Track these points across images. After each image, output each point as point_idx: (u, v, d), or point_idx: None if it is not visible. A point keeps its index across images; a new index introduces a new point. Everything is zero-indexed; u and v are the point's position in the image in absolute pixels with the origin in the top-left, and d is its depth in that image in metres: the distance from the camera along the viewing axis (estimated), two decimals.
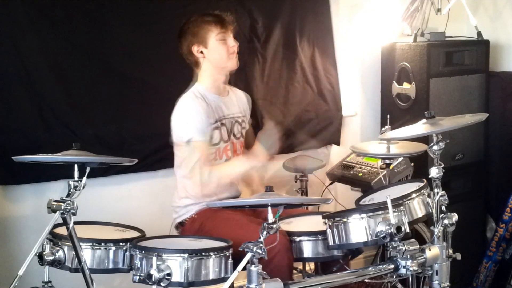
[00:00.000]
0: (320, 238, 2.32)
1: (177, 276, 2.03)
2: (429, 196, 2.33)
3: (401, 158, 3.08)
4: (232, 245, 2.15)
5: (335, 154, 3.70)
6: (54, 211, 2.02)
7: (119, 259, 2.21)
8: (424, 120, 2.35)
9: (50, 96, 2.85)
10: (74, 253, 2.09)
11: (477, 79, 3.54)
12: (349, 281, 2.20)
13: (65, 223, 2.04)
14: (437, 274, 2.28)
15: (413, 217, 2.30)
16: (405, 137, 2.63)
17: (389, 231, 2.10)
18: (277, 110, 3.47)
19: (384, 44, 3.68)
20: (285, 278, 2.03)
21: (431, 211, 2.30)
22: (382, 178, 3.04)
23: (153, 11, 3.05)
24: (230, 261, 2.12)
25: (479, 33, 3.58)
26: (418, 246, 2.18)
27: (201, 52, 2.67)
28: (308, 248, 2.34)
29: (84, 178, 2.06)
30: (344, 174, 3.28)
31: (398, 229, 2.10)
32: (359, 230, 2.16)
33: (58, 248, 2.17)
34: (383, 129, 2.94)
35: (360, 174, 3.21)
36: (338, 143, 3.71)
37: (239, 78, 2.95)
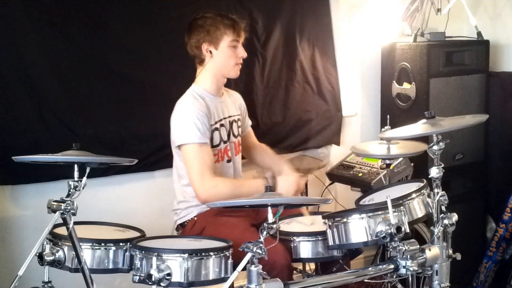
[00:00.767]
0: (320, 238, 2.32)
1: (177, 276, 2.03)
2: (429, 196, 2.33)
3: (401, 158, 3.08)
4: (232, 245, 2.15)
5: (335, 154, 3.70)
6: (54, 211, 2.02)
7: (119, 259, 2.21)
8: (424, 120, 2.35)
9: (50, 96, 2.85)
10: (74, 253, 2.09)
11: (477, 79, 3.54)
12: (349, 281, 2.21)
13: (65, 223, 2.04)
14: (437, 274, 2.28)
15: (413, 217, 2.30)
16: (405, 137, 2.63)
17: (389, 231, 2.10)
18: (277, 110, 3.47)
19: (384, 44, 3.68)
20: (285, 279, 2.03)
21: (431, 211, 2.30)
22: (382, 178, 3.04)
23: (153, 11, 3.05)
24: (230, 261, 2.11)
25: (479, 33, 3.58)
26: (418, 246, 2.18)
27: (210, 51, 2.65)
28: (308, 248, 2.34)
29: (84, 178, 2.06)
30: (344, 174, 3.28)
31: (398, 229, 2.10)
32: (359, 230, 2.16)
33: (58, 248, 2.17)
34: (383, 129, 2.94)
35: (360, 174, 3.21)
36: (338, 143, 3.71)
37: (239, 78, 2.95)
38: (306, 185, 3.33)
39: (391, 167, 3.01)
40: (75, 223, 2.06)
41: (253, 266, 1.86)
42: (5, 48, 2.74)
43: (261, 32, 3.37)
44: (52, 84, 2.85)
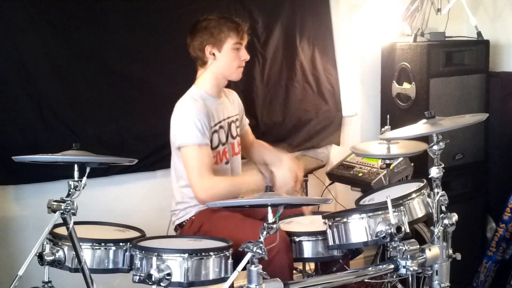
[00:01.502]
0: (320, 238, 2.32)
1: (177, 276, 2.03)
2: (429, 196, 2.33)
3: (401, 158, 3.08)
4: (232, 245, 2.15)
5: (335, 154, 3.70)
6: (54, 211, 2.02)
7: (119, 259, 2.21)
8: (424, 120, 2.35)
9: (50, 96, 2.85)
10: (74, 253, 2.09)
11: (477, 79, 3.54)
12: (349, 281, 2.21)
13: (65, 223, 2.03)
14: (437, 274, 2.28)
15: (413, 217, 2.30)
16: (405, 137, 2.63)
17: (389, 231, 2.10)
18: (277, 110, 3.47)
19: (384, 44, 3.68)
20: (285, 279, 2.03)
21: (431, 211, 2.30)
22: (382, 178, 3.05)
23: (153, 11, 3.05)
24: (230, 261, 2.11)
25: (479, 33, 3.58)
26: (418, 246, 2.18)
27: (213, 54, 2.64)
28: (308, 248, 2.34)
29: (84, 178, 2.06)
30: (344, 174, 3.28)
31: (398, 229, 2.10)
32: (359, 230, 2.16)
33: (58, 248, 2.17)
34: (383, 129, 2.94)
35: (360, 174, 3.21)
36: (338, 143, 3.71)
37: None
38: (306, 185, 3.34)
39: (391, 167, 3.01)
40: (75, 223, 2.06)
41: (253, 266, 1.86)
42: (5, 48, 2.74)
43: (261, 32, 3.37)
44: (52, 84, 2.85)
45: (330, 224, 2.22)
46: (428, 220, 2.48)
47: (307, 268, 3.05)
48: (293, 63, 3.49)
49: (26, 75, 2.79)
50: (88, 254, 2.17)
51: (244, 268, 1.87)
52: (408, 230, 2.17)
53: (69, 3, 2.85)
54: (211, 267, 2.08)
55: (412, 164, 3.18)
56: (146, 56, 3.04)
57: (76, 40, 2.89)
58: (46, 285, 2.13)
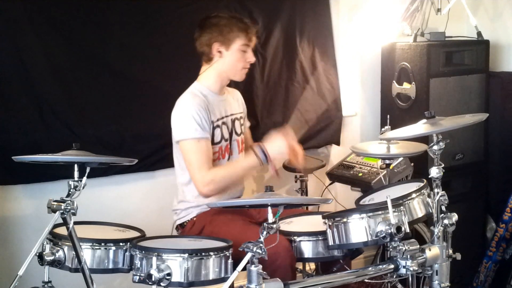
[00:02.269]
0: (320, 238, 2.32)
1: (177, 276, 2.03)
2: (429, 196, 2.33)
3: (401, 158, 3.08)
4: (232, 245, 2.15)
5: (335, 154, 3.70)
6: (54, 211, 2.01)
7: (119, 259, 2.21)
8: (424, 120, 2.35)
9: (50, 96, 2.85)
10: (74, 253, 2.09)
11: (477, 79, 3.54)
12: (349, 281, 2.21)
13: (65, 223, 2.03)
14: (437, 274, 2.28)
15: (413, 217, 2.30)
16: (405, 137, 2.63)
17: (389, 231, 2.10)
18: (277, 110, 3.47)
19: (384, 44, 3.68)
20: (287, 279, 2.03)
21: (431, 211, 2.30)
22: (382, 178, 3.04)
23: (153, 11, 3.05)
24: (230, 261, 2.11)
25: (479, 33, 3.58)
26: (418, 246, 2.18)
27: (220, 51, 2.65)
28: (308, 248, 2.34)
29: (84, 178, 2.06)
30: (344, 174, 3.28)
31: (398, 229, 2.09)
32: (359, 230, 2.16)
33: (58, 248, 2.17)
34: (383, 129, 2.94)
35: (360, 174, 3.20)
36: (338, 143, 3.71)
37: None
38: (306, 185, 3.34)
39: (391, 167, 3.01)
40: (75, 223, 2.06)
41: (253, 266, 1.86)
42: (5, 48, 2.74)
43: (261, 32, 3.36)
44: (52, 84, 2.85)
45: (330, 224, 2.22)
46: (428, 220, 2.48)
47: (307, 268, 3.05)
48: (293, 63, 3.49)
49: (26, 75, 2.79)
50: (88, 254, 2.17)
51: (244, 268, 1.87)
52: (408, 230, 2.17)
53: (69, 3, 2.86)
54: (211, 267, 2.08)
55: (412, 164, 3.18)
56: (146, 56, 3.04)
57: (76, 40, 2.89)
58: (46, 285, 2.13)
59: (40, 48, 2.80)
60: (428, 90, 3.37)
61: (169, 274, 2.02)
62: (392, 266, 2.17)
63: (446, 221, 2.27)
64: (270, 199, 1.93)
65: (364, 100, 3.84)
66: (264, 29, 3.37)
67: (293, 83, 3.51)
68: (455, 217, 2.29)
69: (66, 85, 2.88)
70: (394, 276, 2.22)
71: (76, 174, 2.07)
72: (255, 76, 3.36)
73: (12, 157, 2.18)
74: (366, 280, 2.51)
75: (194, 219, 2.66)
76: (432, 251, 2.24)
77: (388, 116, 3.08)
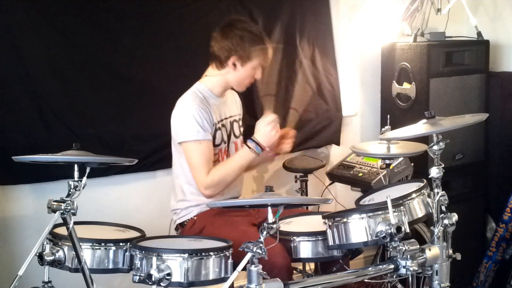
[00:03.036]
0: (320, 238, 2.32)
1: (177, 276, 2.03)
2: (429, 196, 2.33)
3: (401, 158, 3.08)
4: (232, 245, 2.15)
5: (335, 154, 3.70)
6: (54, 211, 2.02)
7: (119, 259, 2.21)
8: (424, 120, 2.35)
9: (50, 96, 2.85)
10: (74, 253, 2.09)
11: (477, 79, 3.54)
12: (349, 281, 2.20)
13: (65, 223, 2.03)
14: (437, 274, 2.28)
15: (413, 217, 2.30)
16: (405, 137, 2.63)
17: (389, 231, 2.10)
18: (277, 110, 3.46)
19: (384, 44, 3.68)
20: (283, 279, 2.02)
21: (431, 211, 2.30)
22: (382, 178, 3.04)
23: (154, 11, 3.05)
24: (230, 261, 2.11)
25: (479, 33, 3.58)
26: (418, 246, 2.18)
27: (235, 65, 2.63)
28: (308, 248, 2.34)
29: (84, 178, 2.06)
30: (344, 174, 3.28)
31: (398, 229, 2.09)
32: (359, 230, 2.16)
33: (58, 248, 2.17)
34: (383, 129, 2.94)
35: (360, 174, 3.21)
36: (338, 143, 3.71)
37: None
38: (306, 185, 3.34)
39: (391, 167, 3.01)
40: (75, 223, 2.06)
41: (253, 266, 1.86)
42: (5, 48, 2.74)
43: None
44: (52, 84, 2.85)
45: (330, 224, 2.22)
46: (428, 220, 2.48)
47: (307, 268, 3.05)
48: (293, 63, 3.49)
49: (26, 75, 2.79)
50: (88, 254, 2.17)
51: (244, 268, 1.87)
52: (408, 230, 2.17)
53: (69, 3, 2.85)
54: (211, 267, 2.08)
55: (412, 164, 3.18)
56: (146, 56, 3.04)
57: (76, 40, 2.89)
58: (46, 285, 2.13)
59: (40, 48, 2.80)
60: (428, 90, 3.37)
61: (169, 274, 2.02)
62: (392, 266, 2.17)
63: (446, 221, 2.26)
64: (270, 199, 1.93)
65: (364, 100, 3.84)
66: (264, 29, 3.35)
67: (293, 83, 3.50)
68: (455, 217, 2.29)
69: (66, 85, 2.88)
70: (394, 276, 2.22)
71: (76, 174, 2.07)
72: None
73: (12, 157, 2.18)
74: (366, 280, 2.51)
75: (195, 218, 2.66)
76: (432, 251, 2.24)
77: (388, 116, 3.08)
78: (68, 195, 2.03)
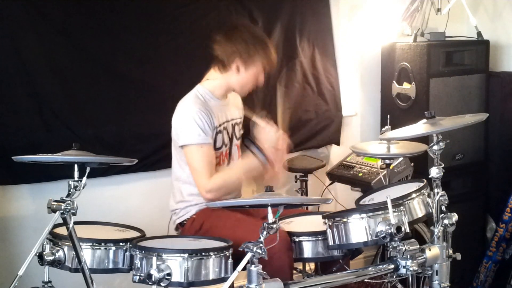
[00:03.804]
0: (320, 238, 2.32)
1: (177, 276, 2.03)
2: (429, 196, 2.33)
3: (401, 158, 3.08)
4: (232, 245, 2.15)
5: (335, 154, 3.70)
6: (54, 211, 2.02)
7: (119, 259, 2.21)
8: (424, 120, 2.35)
9: (50, 96, 2.85)
10: (74, 253, 2.09)
11: (477, 79, 3.54)
12: (349, 281, 2.21)
13: (65, 223, 2.04)
14: (437, 274, 2.28)
15: (413, 217, 2.30)
16: (405, 137, 2.63)
17: (389, 231, 2.10)
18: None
19: (384, 44, 3.68)
20: (285, 278, 2.03)
21: (431, 211, 2.30)
22: (382, 178, 3.05)
23: (153, 11, 3.05)
24: (230, 261, 2.11)
25: (479, 33, 3.58)
26: (418, 246, 2.18)
27: (237, 68, 2.63)
28: (308, 248, 2.34)
29: (84, 178, 2.06)
30: (344, 174, 3.28)
31: (398, 229, 2.10)
32: (359, 230, 2.16)
33: (58, 248, 2.17)
34: (383, 129, 2.94)
35: (360, 174, 3.21)
36: (338, 143, 3.71)
37: None
38: (306, 185, 3.34)
39: (391, 167, 3.01)
40: (75, 223, 2.06)
41: (253, 266, 1.86)
42: (5, 48, 2.73)
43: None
44: (52, 84, 2.85)
45: (330, 224, 2.22)
46: (428, 220, 2.48)
47: (307, 268, 3.05)
48: (293, 63, 3.49)
49: (26, 75, 2.78)
50: (88, 254, 2.17)
51: (244, 268, 1.87)
52: (408, 230, 2.17)
53: (69, 3, 2.85)
54: (211, 267, 2.08)
55: (412, 164, 3.18)
56: (146, 56, 3.04)
57: (76, 40, 2.88)
58: (46, 285, 2.13)
59: (40, 48, 2.80)
60: (428, 90, 3.37)
61: (169, 274, 2.02)
62: (392, 266, 2.17)
63: (446, 221, 2.27)
64: (270, 199, 1.93)
65: (364, 100, 3.84)
66: (264, 29, 3.36)
67: (293, 83, 3.50)
68: (455, 217, 2.29)
69: (66, 85, 2.88)
70: (394, 276, 2.22)
71: (76, 174, 2.07)
72: None
73: (12, 157, 2.18)
74: (366, 280, 2.51)
75: (194, 216, 2.66)
76: (432, 251, 2.24)
77: (388, 116, 3.08)
78: (68, 195, 2.03)
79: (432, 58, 3.37)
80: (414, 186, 2.43)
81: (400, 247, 2.12)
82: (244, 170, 2.64)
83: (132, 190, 3.13)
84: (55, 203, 2.02)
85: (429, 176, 2.29)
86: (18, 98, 2.78)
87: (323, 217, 2.27)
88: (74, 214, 2.03)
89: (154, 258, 2.04)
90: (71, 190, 2.04)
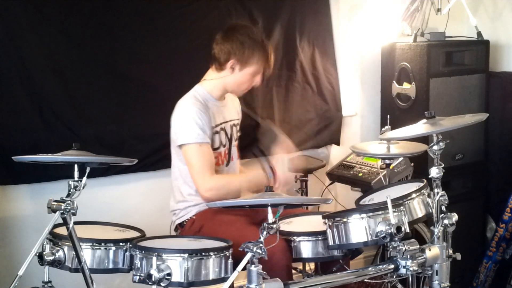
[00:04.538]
0: (320, 238, 2.32)
1: (177, 276, 2.03)
2: (429, 196, 2.33)
3: (401, 158, 3.08)
4: (232, 245, 2.15)
5: (335, 154, 3.70)
6: (54, 211, 2.02)
7: (119, 259, 2.21)
8: (424, 120, 2.35)
9: (50, 96, 2.85)
10: (74, 253, 2.09)
11: (477, 79, 3.54)
12: (349, 281, 2.20)
13: (65, 223, 2.03)
14: (437, 274, 2.28)
15: (413, 217, 2.30)
16: (405, 137, 2.63)
17: (389, 231, 2.10)
18: (277, 110, 3.47)
19: (384, 44, 3.68)
20: (284, 278, 2.03)
21: (431, 211, 2.30)
22: (382, 178, 3.04)
23: (153, 10, 3.05)
24: (230, 261, 2.11)
25: (479, 33, 3.58)
26: (418, 246, 2.18)
27: (233, 68, 2.63)
28: (308, 248, 2.34)
29: (84, 178, 2.06)
30: (344, 174, 3.28)
31: (398, 229, 2.09)
32: (359, 230, 2.16)
33: (58, 248, 2.17)
34: (383, 129, 2.94)
35: (360, 174, 3.21)
36: (338, 143, 3.71)
37: None
38: (306, 185, 3.34)
39: (391, 167, 3.01)
40: (75, 223, 2.06)
41: (253, 266, 1.86)
42: (5, 48, 2.74)
43: (261, 32, 3.36)
44: (52, 84, 2.85)
45: (330, 224, 2.22)
46: (428, 220, 2.48)
47: (307, 268, 3.05)
48: (293, 63, 3.49)
49: (26, 75, 2.79)
50: (88, 254, 2.17)
51: (244, 268, 1.87)
52: (408, 230, 2.17)
53: (69, 3, 2.86)
54: (211, 267, 2.08)
55: (412, 164, 3.18)
56: (146, 56, 3.04)
57: (76, 40, 2.89)
58: (46, 285, 2.13)
59: (40, 48, 2.80)
60: (428, 90, 3.37)
61: (169, 274, 2.02)
62: (392, 266, 2.17)
63: (446, 221, 2.26)
64: (270, 199, 1.93)
65: (364, 100, 3.84)
66: (264, 29, 3.36)
67: (293, 83, 3.50)
68: (455, 217, 2.29)
69: (66, 85, 2.88)
70: (394, 276, 2.22)
71: (76, 174, 2.07)
72: None
73: (12, 157, 2.18)
74: (366, 280, 2.51)
75: (194, 217, 2.66)
76: (432, 251, 2.24)
77: (388, 116, 3.08)
78: (68, 195, 2.03)
79: (432, 58, 3.37)
80: (414, 186, 2.43)
81: (400, 247, 2.12)
82: (249, 180, 2.63)
83: (132, 190, 3.13)
84: (55, 203, 2.02)
85: (429, 176, 2.29)
86: (18, 98, 2.78)
87: (323, 217, 2.27)
88: (74, 214, 2.03)
89: (154, 258, 2.04)
90: (71, 190, 2.04)
